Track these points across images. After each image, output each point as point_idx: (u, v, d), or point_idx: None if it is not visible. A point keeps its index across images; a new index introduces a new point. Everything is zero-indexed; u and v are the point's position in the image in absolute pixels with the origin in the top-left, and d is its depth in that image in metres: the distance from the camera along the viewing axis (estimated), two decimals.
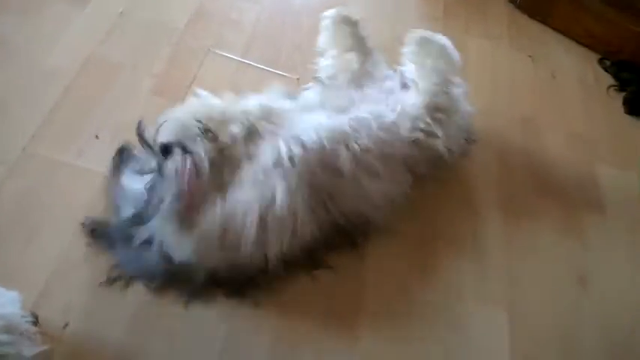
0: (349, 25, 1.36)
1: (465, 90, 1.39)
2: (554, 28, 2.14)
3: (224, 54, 1.65)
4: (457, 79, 1.36)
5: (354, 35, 1.36)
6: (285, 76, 1.63)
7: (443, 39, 1.35)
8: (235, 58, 1.65)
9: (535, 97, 1.87)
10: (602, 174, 1.68)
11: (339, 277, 1.25)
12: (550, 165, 1.65)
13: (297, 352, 1.14)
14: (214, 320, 1.14)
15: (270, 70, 1.64)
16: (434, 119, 1.28)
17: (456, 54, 1.35)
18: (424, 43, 1.34)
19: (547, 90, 1.92)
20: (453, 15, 2.07)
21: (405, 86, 1.36)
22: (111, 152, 1.31)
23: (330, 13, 1.37)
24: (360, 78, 1.33)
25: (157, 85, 1.50)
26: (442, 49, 1.33)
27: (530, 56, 2.01)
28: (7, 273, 1.10)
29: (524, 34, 2.10)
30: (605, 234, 1.53)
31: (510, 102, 1.81)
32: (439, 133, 1.28)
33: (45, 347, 0.93)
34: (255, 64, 1.64)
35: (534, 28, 2.15)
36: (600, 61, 2.06)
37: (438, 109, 1.29)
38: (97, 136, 1.35)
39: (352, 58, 1.35)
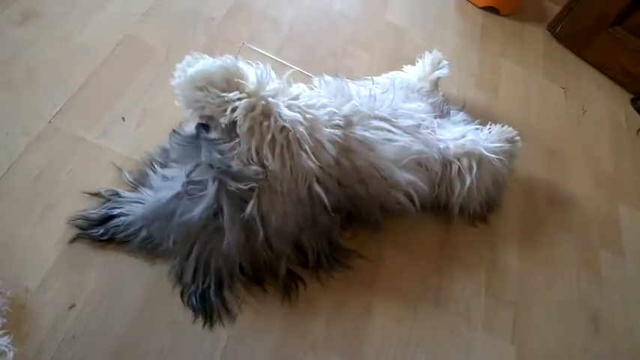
0: (437, 62, 1.55)
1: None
2: (590, 62, 2.13)
3: (258, 50, 1.63)
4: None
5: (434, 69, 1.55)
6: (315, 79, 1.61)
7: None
8: (269, 55, 1.63)
9: (564, 130, 1.86)
10: (624, 215, 1.66)
11: (349, 286, 1.24)
12: (573, 201, 1.63)
13: (301, 353, 1.12)
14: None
15: (302, 71, 1.62)
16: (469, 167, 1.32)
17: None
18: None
19: (576, 124, 1.90)
20: (491, 36, 2.06)
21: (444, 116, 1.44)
22: (135, 136, 1.30)
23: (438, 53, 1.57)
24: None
25: None
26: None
27: (563, 88, 1.99)
28: (17, 246, 1.08)
29: (558, 65, 2.08)
30: (621, 276, 1.52)
31: (538, 132, 1.79)
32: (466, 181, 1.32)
33: None
34: (288, 64, 1.62)
35: (570, 59, 2.13)
36: (633, 102, 2.04)
37: (479, 164, 1.33)
38: (123, 118, 1.33)
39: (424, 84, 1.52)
